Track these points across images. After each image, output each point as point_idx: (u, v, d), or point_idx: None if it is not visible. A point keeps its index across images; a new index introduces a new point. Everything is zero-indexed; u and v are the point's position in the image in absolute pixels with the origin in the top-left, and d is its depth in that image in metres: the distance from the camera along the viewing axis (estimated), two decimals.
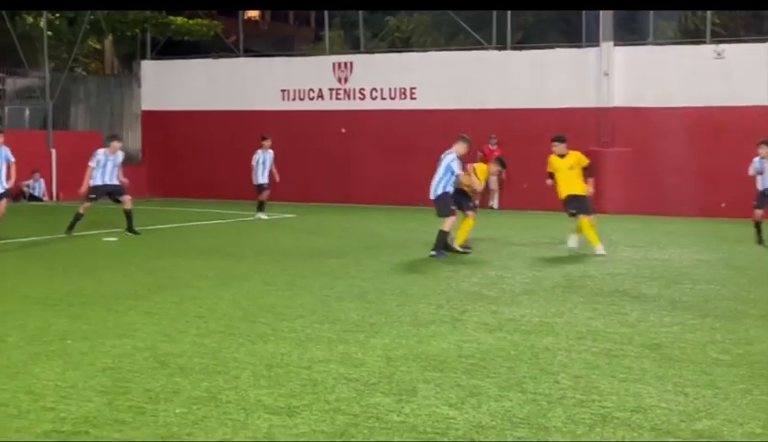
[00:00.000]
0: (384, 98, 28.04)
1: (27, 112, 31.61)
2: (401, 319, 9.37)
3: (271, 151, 22.43)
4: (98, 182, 17.70)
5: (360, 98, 28.39)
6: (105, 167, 17.64)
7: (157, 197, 29.60)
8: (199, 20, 32.72)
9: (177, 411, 6.21)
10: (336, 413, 6.17)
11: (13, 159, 16.66)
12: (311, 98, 29.04)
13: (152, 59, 31.40)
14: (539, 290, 11.39)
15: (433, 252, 14.55)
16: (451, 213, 14.77)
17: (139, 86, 31.38)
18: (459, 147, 15.14)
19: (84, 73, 34.12)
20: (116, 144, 18.00)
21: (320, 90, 28.94)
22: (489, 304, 10.32)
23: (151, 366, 7.38)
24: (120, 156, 18.01)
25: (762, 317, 9.71)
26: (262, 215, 21.81)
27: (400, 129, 27.54)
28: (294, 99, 29.21)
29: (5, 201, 16.78)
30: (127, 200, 17.84)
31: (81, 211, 17.55)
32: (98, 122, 32.23)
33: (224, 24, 34.15)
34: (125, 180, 18.26)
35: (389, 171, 27.48)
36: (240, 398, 6.52)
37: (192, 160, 29.92)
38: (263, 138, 22.74)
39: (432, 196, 14.98)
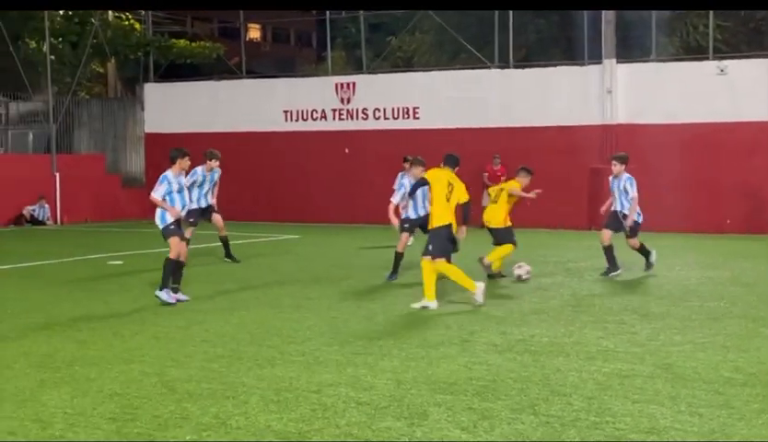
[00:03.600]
0: (387, 118, 28.02)
1: (30, 137, 31.68)
2: (409, 341, 9.31)
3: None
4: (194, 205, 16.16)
5: (363, 119, 28.37)
6: (201, 187, 16.54)
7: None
8: (201, 43, 32.80)
9: (186, 438, 6.16)
10: (348, 438, 6.12)
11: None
12: (314, 119, 29.04)
13: (155, 82, 31.45)
14: (547, 310, 11.32)
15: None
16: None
17: (142, 108, 31.42)
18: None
19: (87, 96, 34.17)
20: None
21: (323, 111, 28.93)
22: (497, 324, 10.25)
23: (159, 391, 7.33)
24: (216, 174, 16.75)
25: None
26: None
27: (403, 149, 27.43)
28: (296, 120, 29.20)
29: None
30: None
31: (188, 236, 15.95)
32: (101, 146, 32.30)
33: (226, 46, 34.23)
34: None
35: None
36: (250, 423, 6.47)
37: None
38: (408, 161, 17.59)
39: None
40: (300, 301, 12.13)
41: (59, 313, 11.16)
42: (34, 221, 27.45)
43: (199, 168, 16.59)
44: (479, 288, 11.51)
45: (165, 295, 11.66)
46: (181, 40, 32.20)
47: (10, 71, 31.07)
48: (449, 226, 11.63)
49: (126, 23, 32.06)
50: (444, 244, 11.62)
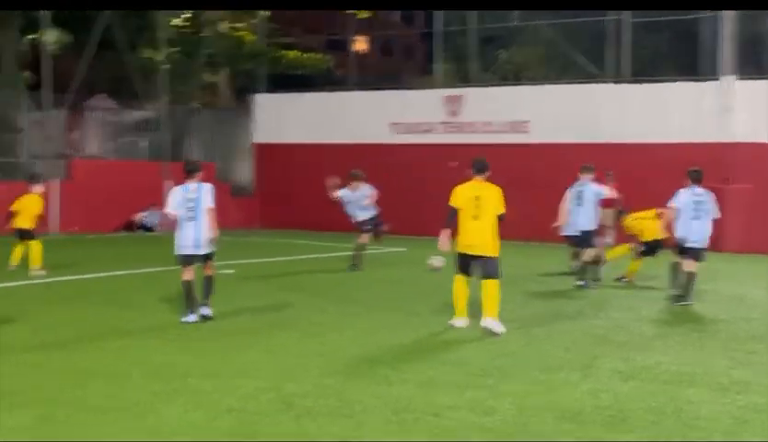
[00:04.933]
0: (496, 132, 27.65)
1: (143, 144, 32.30)
2: (528, 363, 8.98)
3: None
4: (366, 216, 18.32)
5: (471, 132, 28.08)
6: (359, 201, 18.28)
7: (268, 229, 29.80)
8: (311, 54, 33.04)
9: None
10: None
11: None
12: (422, 132, 28.87)
13: (265, 92, 31.75)
14: (671, 334, 10.85)
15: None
16: None
17: (252, 119, 31.74)
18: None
19: (199, 106, 34.72)
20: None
21: (431, 124, 28.75)
22: (619, 349, 9.84)
23: (276, 407, 7.18)
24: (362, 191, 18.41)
25: None
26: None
27: (512, 163, 27.11)
28: (405, 133, 29.08)
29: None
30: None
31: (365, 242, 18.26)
32: (211, 155, 32.68)
33: (334, 58, 34.40)
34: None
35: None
36: None
37: (304, 193, 30.03)
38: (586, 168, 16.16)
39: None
40: (410, 317, 11.91)
41: (172, 322, 11.17)
42: (144, 228, 27.94)
43: (346, 190, 18.51)
44: (459, 322, 10.92)
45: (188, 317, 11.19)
46: (292, 52, 32.49)
47: (125, 79, 31.76)
48: (465, 255, 10.87)
49: (239, 34, 32.49)
50: (461, 262, 10.98)
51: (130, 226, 27.79)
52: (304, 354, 9.25)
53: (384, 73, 51.17)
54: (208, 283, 11.49)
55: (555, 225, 16.22)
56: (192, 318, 11.17)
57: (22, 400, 7.27)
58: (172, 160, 30.43)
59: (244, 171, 32.73)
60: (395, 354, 9.37)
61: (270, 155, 31.24)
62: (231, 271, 16.78)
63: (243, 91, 34.05)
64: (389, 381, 8.13)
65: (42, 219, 17.66)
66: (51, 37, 28.92)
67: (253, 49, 31.85)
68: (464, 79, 31.32)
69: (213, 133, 32.88)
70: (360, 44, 57.04)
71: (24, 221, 16.61)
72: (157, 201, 28.56)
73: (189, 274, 11.41)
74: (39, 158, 28.49)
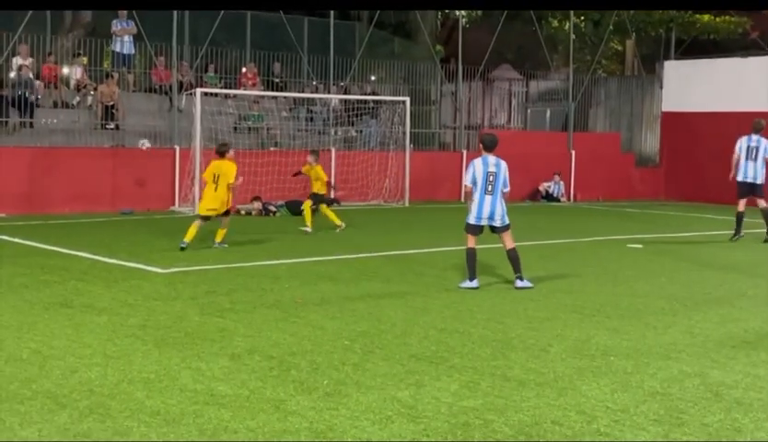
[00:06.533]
0: None
1: (548, 114, 32.57)
2: None
3: None
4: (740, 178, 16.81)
5: None
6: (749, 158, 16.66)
7: (673, 201, 28.82)
8: (727, 18, 31.27)
9: None
10: None
11: None
12: None
13: (675, 59, 30.59)
14: None
15: None
16: None
17: (660, 86, 30.75)
18: None
19: (604, 74, 34.32)
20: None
21: None
22: None
23: (703, 395, 6.84)
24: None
25: None
26: None
27: None
28: None
29: None
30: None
31: (742, 209, 16.89)
32: (616, 124, 32.25)
33: (750, 20, 32.32)
34: None
35: None
36: None
37: (715, 164, 28.53)
38: None
39: None
40: None
41: (586, 297, 11.04)
42: (549, 197, 28.17)
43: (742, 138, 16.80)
44: None
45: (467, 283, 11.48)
46: (705, 15, 30.95)
47: (531, 49, 32.17)
48: None
49: None
50: None
51: (534, 195, 28.17)
52: (728, 340, 8.74)
53: None
54: (513, 256, 11.55)
55: None
56: (472, 283, 11.39)
57: (453, 365, 7.56)
58: (578, 130, 30.40)
59: (650, 141, 31.89)
60: None
61: (678, 124, 30.08)
62: (639, 245, 16.40)
63: (650, 58, 33.11)
64: None
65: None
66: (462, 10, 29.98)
67: (664, 14, 30.77)
68: None
69: (618, 101, 32.37)
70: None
71: (317, 187, 17.43)
72: (564, 170, 28.72)
73: (473, 242, 11.60)
74: (450, 129, 29.77)
